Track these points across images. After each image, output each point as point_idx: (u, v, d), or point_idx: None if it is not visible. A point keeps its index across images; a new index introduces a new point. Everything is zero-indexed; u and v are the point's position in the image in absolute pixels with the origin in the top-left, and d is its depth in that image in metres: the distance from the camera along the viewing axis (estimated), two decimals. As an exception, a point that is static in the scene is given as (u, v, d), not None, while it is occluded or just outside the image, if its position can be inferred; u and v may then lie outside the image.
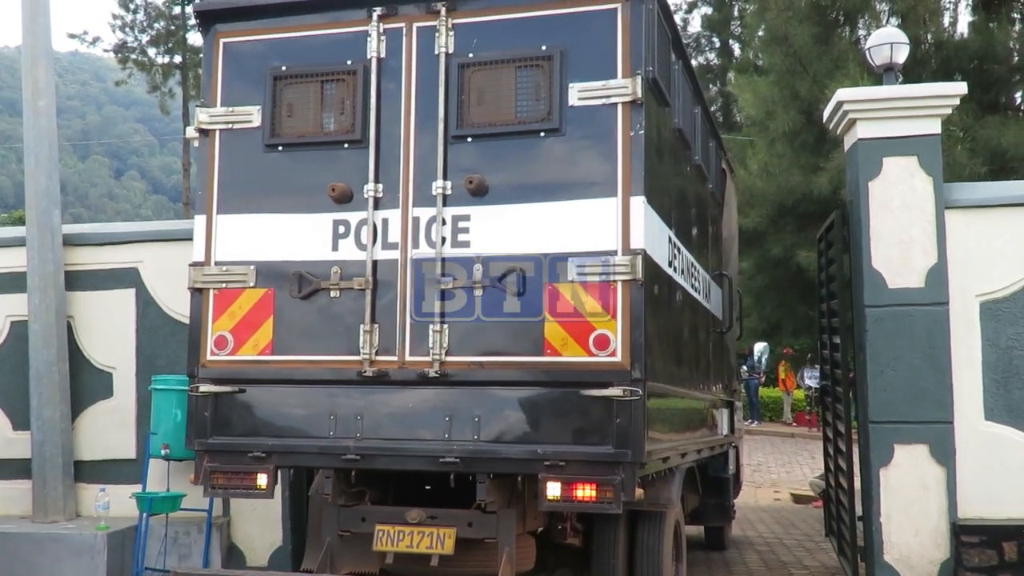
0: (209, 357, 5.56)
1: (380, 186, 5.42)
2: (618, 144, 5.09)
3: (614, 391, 4.90)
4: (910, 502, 6.90)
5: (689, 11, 26.45)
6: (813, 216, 11.84)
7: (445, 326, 5.21)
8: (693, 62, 25.43)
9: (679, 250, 6.13)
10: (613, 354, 4.96)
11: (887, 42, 7.55)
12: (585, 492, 4.95)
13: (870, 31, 11.76)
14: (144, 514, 6.84)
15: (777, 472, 16.85)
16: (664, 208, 5.63)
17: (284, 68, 5.64)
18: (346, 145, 5.50)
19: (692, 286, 6.67)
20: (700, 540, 9.71)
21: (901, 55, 7.55)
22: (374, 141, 5.44)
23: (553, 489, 4.97)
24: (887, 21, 12.30)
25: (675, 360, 6.01)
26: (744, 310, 16.54)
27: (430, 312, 5.24)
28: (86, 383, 7.91)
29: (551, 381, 5.08)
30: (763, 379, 22.93)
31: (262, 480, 5.43)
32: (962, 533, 6.77)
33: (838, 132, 7.81)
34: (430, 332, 5.22)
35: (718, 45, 26.16)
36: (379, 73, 5.49)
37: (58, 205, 7.89)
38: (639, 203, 5.02)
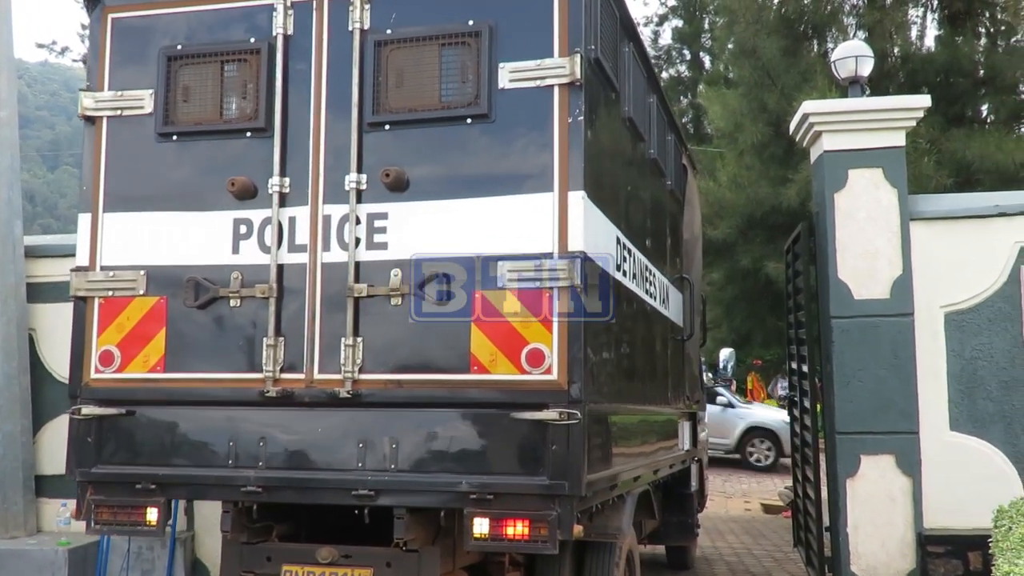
0: (93, 375, 4.95)
1: (286, 180, 4.83)
2: (554, 132, 4.50)
3: (549, 414, 4.33)
4: (876, 512, 6.94)
5: (660, 24, 26.74)
6: (782, 227, 11.96)
7: (359, 340, 4.63)
8: (663, 75, 25.58)
9: (630, 253, 5.59)
10: (548, 371, 4.38)
11: (852, 55, 7.62)
12: (516, 529, 4.39)
13: (837, 44, 11.91)
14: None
15: (747, 482, 16.90)
16: (611, 206, 5.09)
17: (179, 47, 5.04)
18: (248, 134, 4.91)
19: (647, 292, 6.16)
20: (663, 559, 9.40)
21: (866, 68, 7.62)
22: (280, 129, 4.85)
23: (480, 526, 4.41)
24: (854, 35, 12.46)
25: (625, 375, 5.46)
26: (714, 321, 16.62)
27: (342, 324, 4.65)
28: (48, 396, 7.74)
29: (478, 402, 4.49)
30: (733, 388, 22.97)
31: (152, 515, 4.84)
32: (928, 543, 6.82)
33: (805, 144, 7.86)
34: (342, 346, 4.63)
35: (688, 57, 26.46)
36: (286, 52, 4.90)
37: (20, 216, 7.80)
38: (578, 199, 4.45)
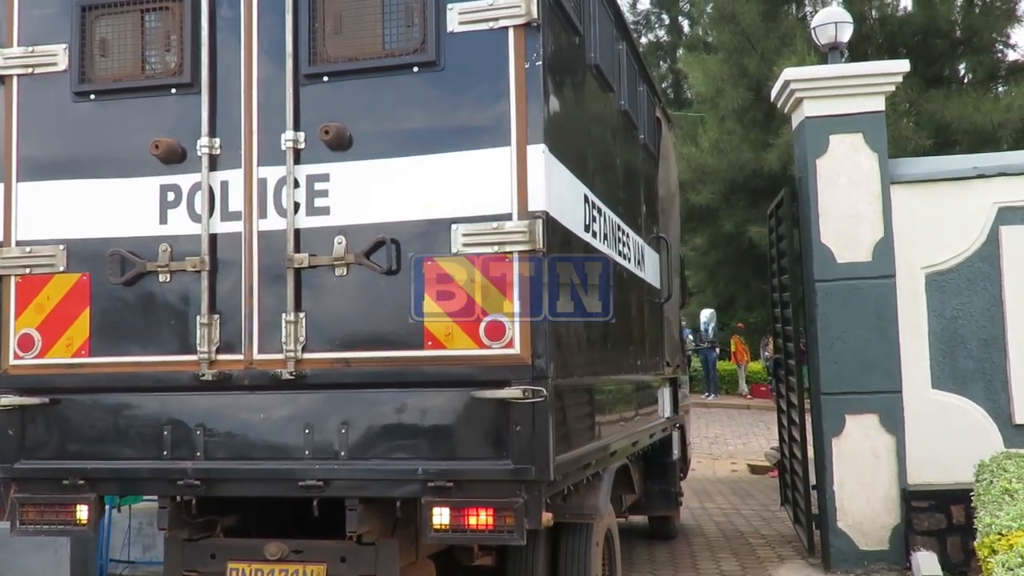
0: (12, 361, 4.52)
1: (216, 141, 4.38)
2: (510, 79, 4.07)
3: (512, 391, 3.93)
4: (862, 470, 7.11)
5: (639, -12, 26.67)
6: (764, 192, 12.07)
7: (301, 315, 4.21)
8: (642, 40, 25.54)
9: (600, 212, 5.16)
10: (510, 345, 3.99)
11: (831, 21, 7.70)
12: (480, 519, 4.01)
13: (816, 8, 12.10)
14: (107, 506, 6.82)
15: (734, 444, 17.03)
16: (577, 161, 4.65)
17: None
18: (173, 90, 4.46)
19: (620, 253, 5.73)
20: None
21: (846, 34, 7.71)
22: (208, 85, 4.39)
23: (440, 516, 4.02)
24: (832, -1, 12.51)
25: (597, 344, 5.06)
26: (698, 285, 16.70)
27: (282, 298, 4.23)
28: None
29: (434, 380, 4.09)
30: (718, 351, 23.08)
31: (82, 513, 4.45)
32: (912, 499, 7.00)
33: (786, 111, 7.94)
34: (283, 323, 4.22)
35: (667, 22, 26.46)
36: None
37: None
38: (538, 153, 4.02)
